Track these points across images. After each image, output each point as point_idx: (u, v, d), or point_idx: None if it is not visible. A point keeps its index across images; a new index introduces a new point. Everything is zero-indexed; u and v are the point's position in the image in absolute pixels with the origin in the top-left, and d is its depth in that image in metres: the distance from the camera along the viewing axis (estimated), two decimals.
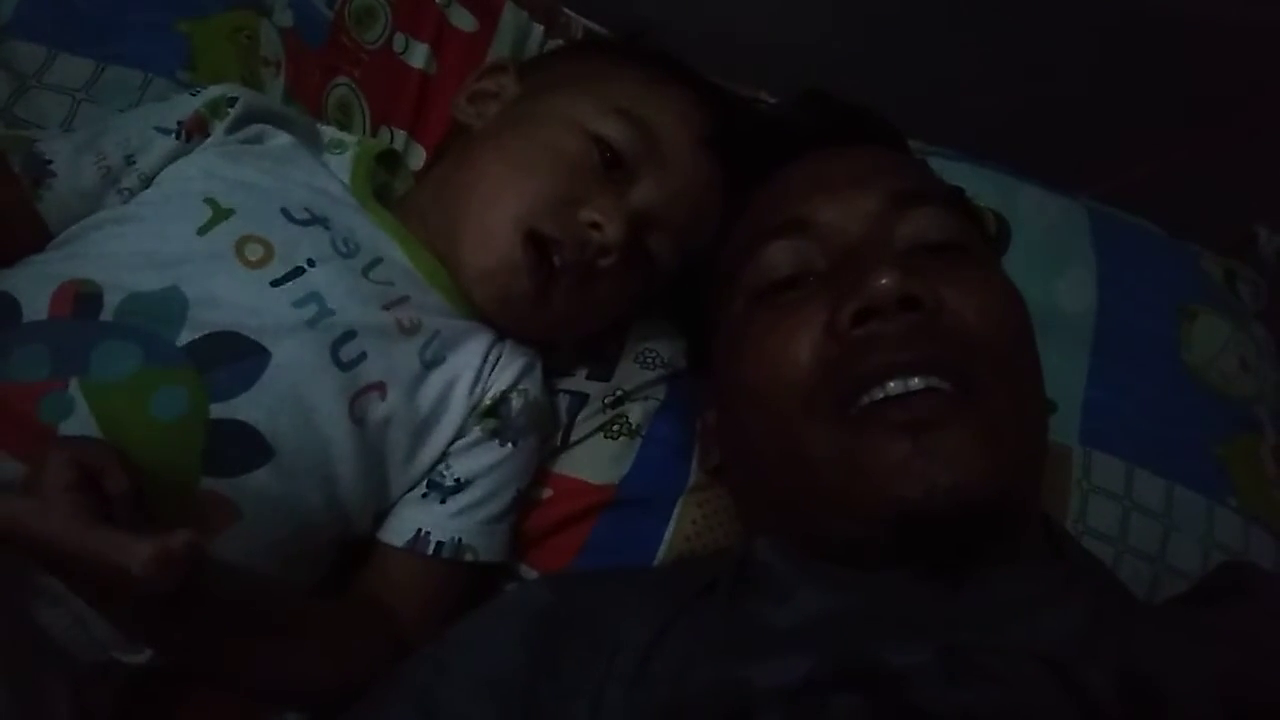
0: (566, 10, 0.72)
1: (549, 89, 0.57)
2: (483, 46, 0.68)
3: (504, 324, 0.55)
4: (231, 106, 0.53)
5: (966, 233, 0.51)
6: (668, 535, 0.58)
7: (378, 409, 0.49)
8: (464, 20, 0.68)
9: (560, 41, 0.71)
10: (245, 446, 0.46)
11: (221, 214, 0.49)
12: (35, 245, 0.50)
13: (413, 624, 0.51)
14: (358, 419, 0.49)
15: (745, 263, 0.51)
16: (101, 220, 0.50)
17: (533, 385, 0.55)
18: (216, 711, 0.51)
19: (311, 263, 0.49)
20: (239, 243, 0.49)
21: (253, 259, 0.49)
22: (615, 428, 0.59)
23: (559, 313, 0.54)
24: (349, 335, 0.49)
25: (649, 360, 0.61)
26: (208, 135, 0.53)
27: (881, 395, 0.44)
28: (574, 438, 0.59)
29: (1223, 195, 0.76)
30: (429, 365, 0.51)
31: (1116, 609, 0.46)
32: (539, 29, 0.71)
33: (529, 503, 0.57)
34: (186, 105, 0.53)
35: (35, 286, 0.46)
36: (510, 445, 0.54)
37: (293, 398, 0.47)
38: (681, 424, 0.60)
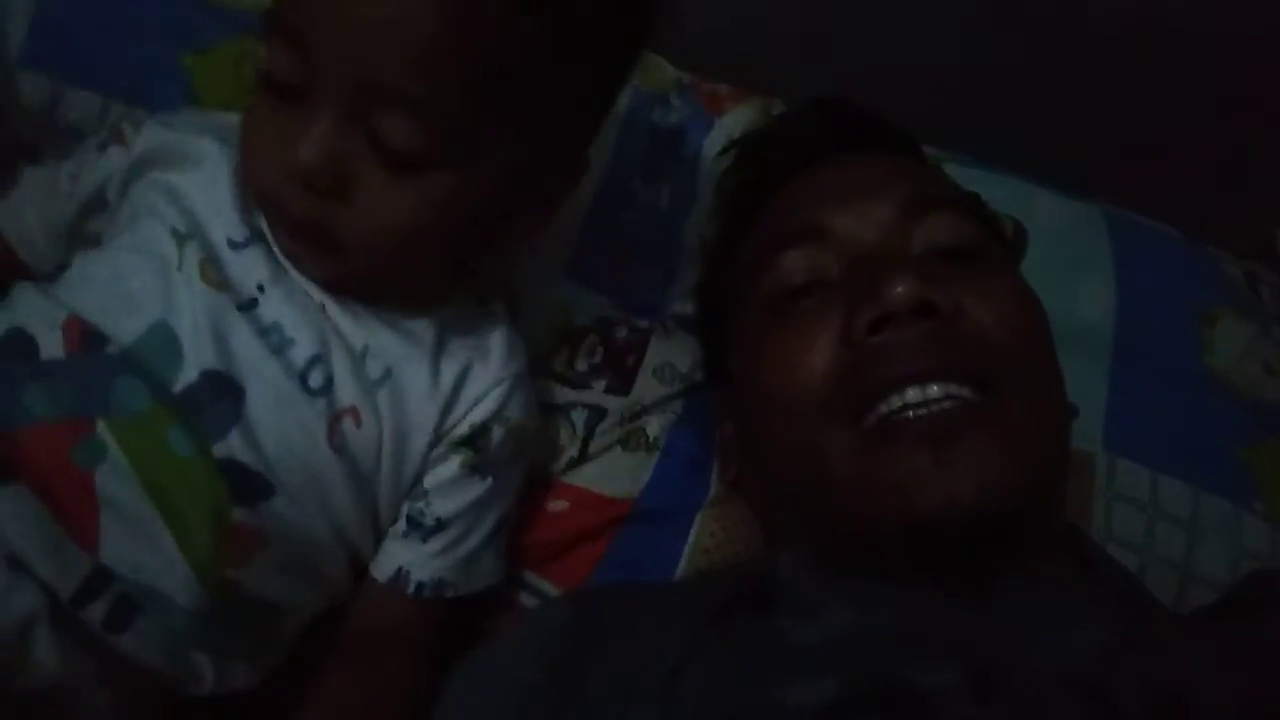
0: None
1: None
2: None
3: (356, 284, 0.49)
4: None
5: (982, 238, 0.51)
6: (687, 548, 0.57)
7: (354, 435, 0.48)
8: None
9: None
10: (251, 482, 0.46)
11: (184, 240, 0.48)
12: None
13: (404, 651, 0.51)
14: (338, 447, 0.48)
15: (760, 271, 0.51)
16: (86, 252, 0.50)
17: (516, 410, 0.53)
18: None
19: (261, 288, 0.48)
20: (203, 266, 0.47)
21: (217, 283, 0.47)
22: (633, 441, 0.59)
23: (360, 250, 0.46)
24: (314, 360, 0.48)
25: (667, 374, 0.61)
26: (125, 144, 0.51)
27: (900, 404, 0.44)
28: (592, 451, 0.59)
29: (1241, 197, 0.76)
30: (378, 383, 0.49)
31: (1146, 623, 0.45)
32: None
33: (545, 516, 0.57)
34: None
35: (45, 321, 0.46)
36: (490, 479, 0.52)
37: (273, 432, 0.46)
38: (699, 437, 0.59)
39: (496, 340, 0.53)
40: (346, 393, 0.48)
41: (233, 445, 0.46)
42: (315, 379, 0.48)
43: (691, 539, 0.57)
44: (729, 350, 0.54)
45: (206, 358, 0.46)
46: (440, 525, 0.51)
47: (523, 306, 0.59)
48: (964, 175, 0.67)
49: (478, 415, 0.51)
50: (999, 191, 0.67)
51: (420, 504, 0.51)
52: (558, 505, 0.57)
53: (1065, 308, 0.63)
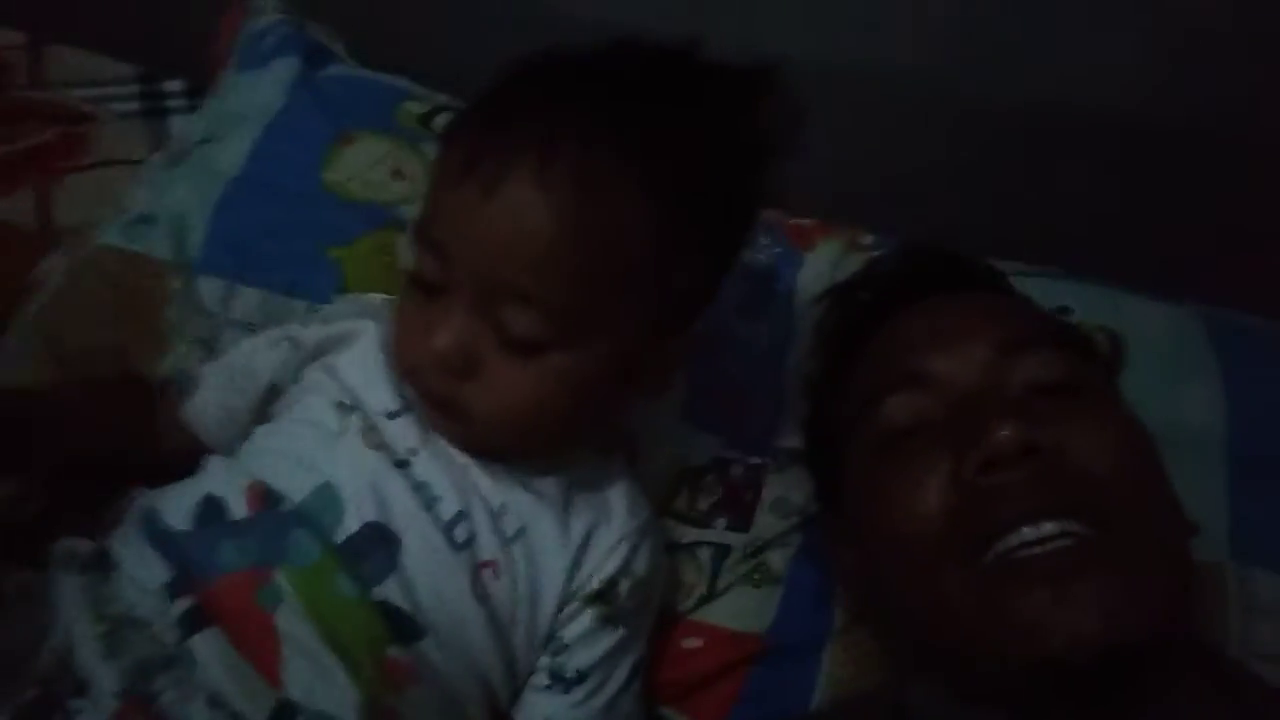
0: None
1: None
2: None
3: (487, 449, 0.54)
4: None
5: (1079, 370, 0.52)
6: (820, 680, 0.59)
7: (494, 586, 0.52)
8: None
9: None
10: (404, 624, 0.50)
11: (347, 411, 0.55)
12: (194, 451, 0.57)
13: None
14: (481, 597, 0.52)
15: (865, 415, 0.53)
16: (263, 426, 0.57)
17: (641, 562, 0.56)
18: None
19: (413, 451, 0.53)
20: (364, 433, 0.54)
21: (376, 446, 0.53)
22: (757, 576, 0.61)
23: (488, 421, 0.51)
24: (459, 517, 0.52)
25: (784, 508, 0.64)
26: (295, 343, 0.58)
27: (1016, 542, 0.45)
28: (718, 588, 0.61)
29: None
30: (513, 539, 0.53)
31: None
32: None
33: (679, 654, 0.59)
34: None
35: (232, 487, 0.53)
36: (622, 629, 0.55)
37: (425, 580, 0.51)
38: (821, 569, 0.61)
39: (620, 495, 0.57)
40: (486, 547, 0.53)
41: (389, 590, 0.50)
42: (460, 534, 0.52)
43: (823, 670, 0.59)
44: (841, 483, 0.57)
45: (367, 511, 0.51)
46: (580, 677, 0.54)
47: (642, 450, 0.63)
48: (1055, 289, 0.69)
49: (606, 570, 0.55)
50: (1089, 303, 0.69)
51: (561, 658, 0.54)
52: (691, 643, 0.60)
53: (1173, 416, 0.63)
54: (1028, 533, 0.45)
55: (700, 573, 0.62)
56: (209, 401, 0.59)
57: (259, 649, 0.48)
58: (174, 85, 0.84)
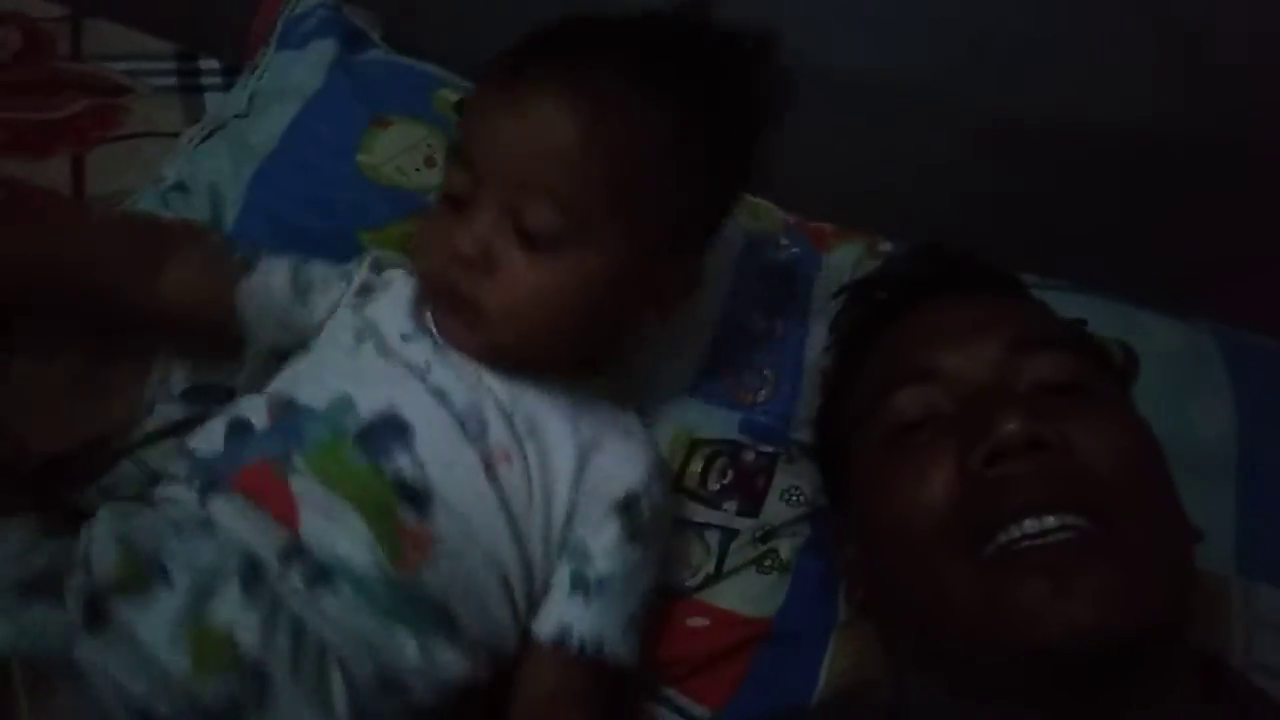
0: None
1: None
2: None
3: (506, 353, 0.56)
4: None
5: (1089, 372, 0.53)
6: (823, 669, 0.60)
7: (508, 474, 0.55)
8: None
9: None
10: (416, 495, 0.53)
11: (361, 335, 0.58)
12: (235, 326, 0.60)
13: (571, 712, 0.54)
14: (494, 481, 0.54)
15: (875, 408, 0.55)
16: (289, 363, 0.61)
17: (658, 492, 0.58)
18: None
19: (427, 364, 0.56)
20: (379, 348, 0.58)
21: (390, 357, 0.57)
22: (767, 562, 0.62)
23: (499, 317, 0.54)
24: (471, 411, 0.55)
25: (794, 498, 0.65)
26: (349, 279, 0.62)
27: (1018, 534, 0.46)
28: (726, 570, 0.62)
29: None
30: (525, 434, 0.56)
31: None
32: None
33: (685, 632, 0.60)
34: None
35: (255, 407, 0.57)
36: (642, 548, 0.57)
37: (439, 462, 0.54)
38: (828, 560, 0.62)
39: (635, 426, 0.61)
40: (499, 440, 0.55)
41: (401, 467, 0.53)
42: (472, 428, 0.55)
43: (827, 660, 0.60)
44: (847, 479, 0.58)
45: (379, 406, 0.55)
46: (601, 585, 0.55)
47: (653, 423, 0.65)
48: (1070, 302, 0.70)
49: (625, 479, 0.57)
50: (1102, 316, 0.69)
51: (584, 564, 0.56)
52: (696, 622, 0.61)
53: (1182, 429, 0.64)
54: (1030, 525, 0.46)
55: (708, 553, 0.63)
56: (271, 302, 0.61)
57: (277, 505, 0.51)
58: (211, 64, 0.86)
